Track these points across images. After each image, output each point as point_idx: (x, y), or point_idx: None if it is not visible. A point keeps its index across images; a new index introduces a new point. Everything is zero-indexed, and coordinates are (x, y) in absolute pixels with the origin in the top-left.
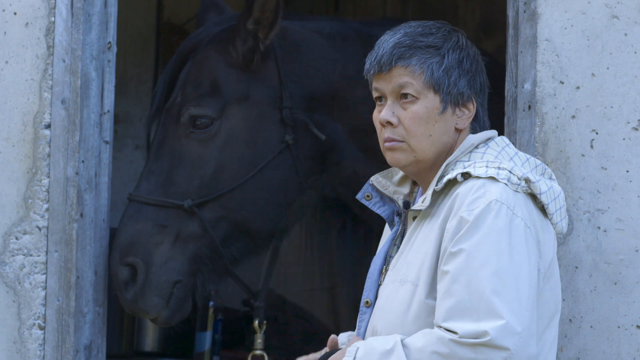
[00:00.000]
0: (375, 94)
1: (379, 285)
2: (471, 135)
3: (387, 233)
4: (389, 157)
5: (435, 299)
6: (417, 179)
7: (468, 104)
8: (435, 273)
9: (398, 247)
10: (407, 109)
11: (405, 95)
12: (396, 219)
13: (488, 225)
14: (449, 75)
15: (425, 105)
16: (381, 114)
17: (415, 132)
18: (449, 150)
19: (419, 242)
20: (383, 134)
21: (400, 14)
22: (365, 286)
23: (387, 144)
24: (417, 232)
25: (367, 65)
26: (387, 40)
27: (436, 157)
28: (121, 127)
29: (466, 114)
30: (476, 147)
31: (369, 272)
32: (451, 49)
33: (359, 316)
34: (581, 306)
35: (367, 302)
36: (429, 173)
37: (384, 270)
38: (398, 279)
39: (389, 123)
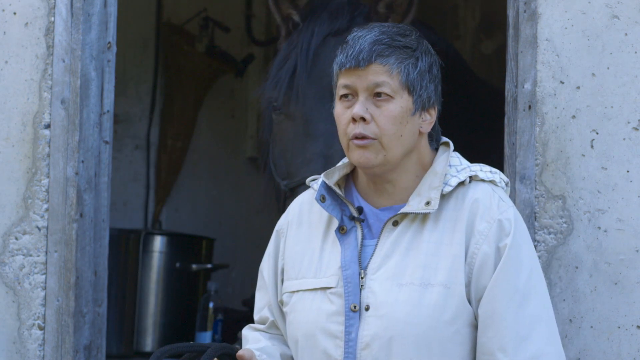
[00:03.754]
0: (343, 91)
1: (360, 289)
2: (447, 139)
3: (313, 235)
4: (357, 155)
5: (470, 300)
6: (377, 181)
7: (431, 110)
8: (465, 274)
9: (373, 251)
10: (381, 107)
11: (379, 94)
12: (349, 222)
13: (525, 233)
14: (422, 78)
15: (400, 105)
16: (355, 110)
17: (388, 130)
18: (411, 153)
19: (434, 245)
20: (353, 129)
21: None
22: (345, 290)
23: (357, 142)
24: (418, 234)
25: (341, 59)
26: (364, 37)
27: (401, 159)
28: (121, 127)
29: (428, 119)
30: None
31: (344, 276)
32: (424, 53)
33: (345, 321)
34: (581, 306)
35: (354, 306)
36: (391, 175)
37: (362, 275)
38: (410, 283)
39: (362, 119)
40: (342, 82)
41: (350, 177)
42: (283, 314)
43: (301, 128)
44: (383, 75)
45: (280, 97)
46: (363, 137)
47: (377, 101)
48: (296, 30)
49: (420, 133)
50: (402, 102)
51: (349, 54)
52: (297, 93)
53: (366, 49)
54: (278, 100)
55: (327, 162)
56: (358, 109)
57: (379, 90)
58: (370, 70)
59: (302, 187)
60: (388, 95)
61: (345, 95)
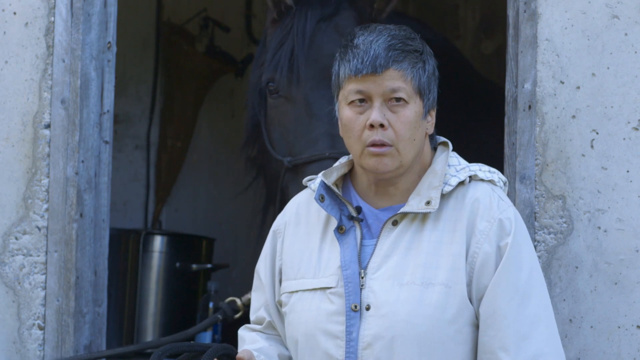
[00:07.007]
0: (357, 96)
1: (360, 289)
2: (444, 139)
3: (312, 235)
4: (373, 162)
5: (471, 299)
6: (381, 184)
7: (432, 111)
8: (466, 273)
9: (373, 251)
10: (397, 112)
11: (397, 99)
12: (348, 222)
13: (524, 233)
14: (430, 81)
15: (414, 110)
16: (373, 116)
17: (404, 136)
18: (420, 155)
19: (434, 245)
20: (370, 136)
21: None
22: (345, 290)
23: (375, 149)
24: (418, 234)
25: (356, 65)
26: (376, 41)
27: (412, 162)
28: (121, 127)
29: (431, 121)
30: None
31: (345, 276)
32: (428, 55)
33: (345, 321)
34: (581, 306)
35: (355, 306)
36: (397, 178)
37: (362, 274)
38: (411, 282)
39: (381, 125)
40: (354, 87)
41: (347, 177)
42: (280, 315)
43: (303, 109)
44: (398, 80)
45: (282, 80)
46: (382, 145)
47: (392, 106)
48: (289, 14)
49: (426, 135)
50: (415, 106)
51: (364, 59)
52: (297, 76)
53: (382, 55)
54: (279, 83)
55: (333, 141)
56: (376, 115)
57: (396, 95)
58: (387, 76)
59: (308, 165)
60: (404, 100)
61: (359, 100)
